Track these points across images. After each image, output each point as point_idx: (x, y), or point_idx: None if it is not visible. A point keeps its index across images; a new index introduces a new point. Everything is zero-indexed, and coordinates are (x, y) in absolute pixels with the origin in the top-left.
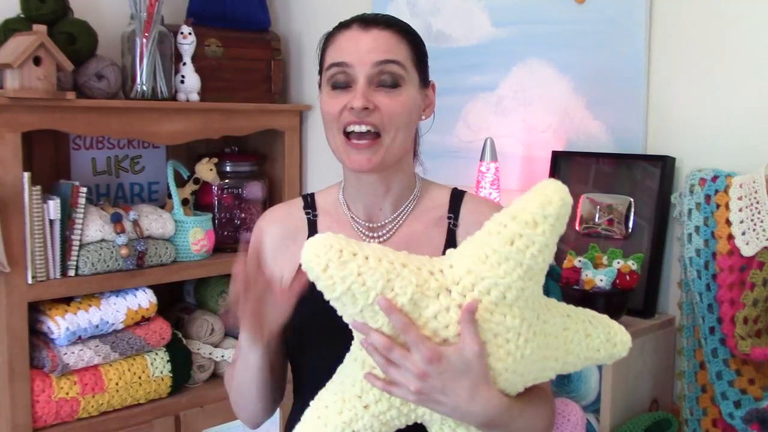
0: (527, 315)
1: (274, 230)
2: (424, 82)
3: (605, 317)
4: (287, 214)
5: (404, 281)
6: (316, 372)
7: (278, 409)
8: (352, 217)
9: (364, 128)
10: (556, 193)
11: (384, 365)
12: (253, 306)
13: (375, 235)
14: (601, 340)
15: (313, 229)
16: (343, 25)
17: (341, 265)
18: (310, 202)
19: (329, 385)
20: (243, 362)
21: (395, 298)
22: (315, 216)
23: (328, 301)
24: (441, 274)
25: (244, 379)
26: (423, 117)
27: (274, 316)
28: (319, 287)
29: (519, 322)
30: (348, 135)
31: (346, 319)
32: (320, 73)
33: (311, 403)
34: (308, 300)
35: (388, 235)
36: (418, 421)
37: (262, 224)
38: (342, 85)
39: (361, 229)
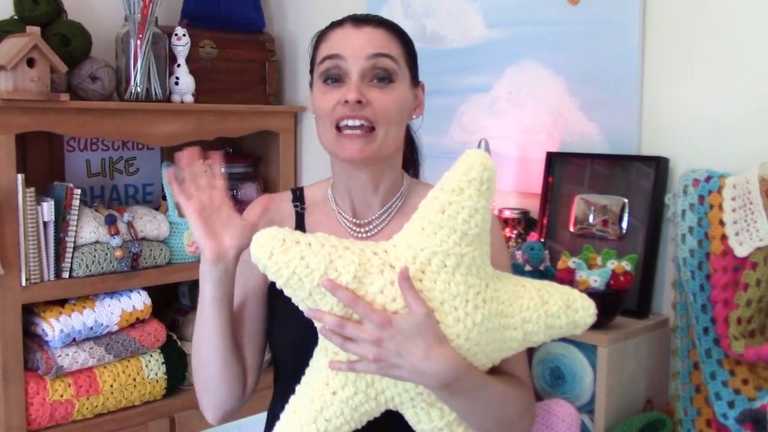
0: (472, 282)
1: (262, 220)
2: (415, 81)
3: (565, 286)
4: (275, 205)
5: (346, 261)
6: (290, 360)
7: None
8: (339, 212)
9: (357, 122)
10: (477, 159)
11: (342, 344)
12: (204, 214)
13: (362, 231)
14: (560, 306)
15: (300, 222)
16: (336, 24)
17: (284, 251)
18: (298, 195)
19: (302, 379)
20: (201, 311)
21: (339, 277)
22: (303, 209)
23: None
24: (384, 253)
25: (204, 340)
26: (414, 116)
27: (229, 237)
28: (269, 276)
29: (464, 288)
30: (340, 129)
31: (301, 308)
32: (311, 71)
33: (290, 398)
34: (280, 291)
35: (374, 231)
36: (390, 407)
37: (248, 212)
38: (335, 78)
39: (348, 224)
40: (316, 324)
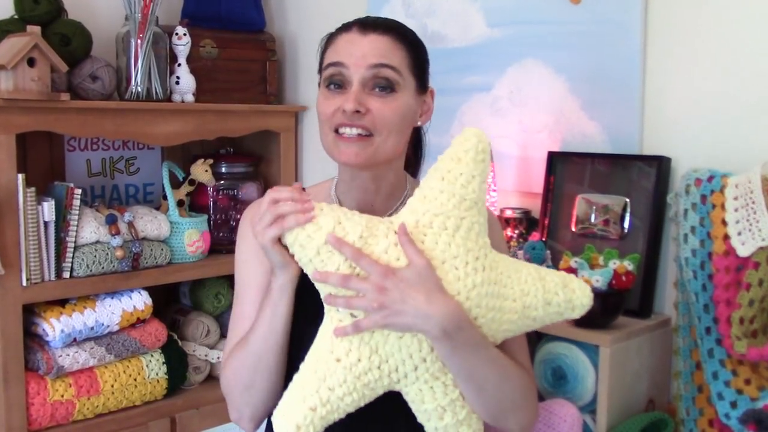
0: (471, 247)
1: None
2: (422, 88)
3: (561, 271)
4: None
5: (354, 222)
6: (296, 357)
7: None
8: None
9: (354, 131)
10: (472, 133)
11: (347, 303)
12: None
13: None
14: (557, 283)
15: None
16: (344, 28)
17: None
18: None
19: (306, 355)
20: (271, 313)
21: (346, 236)
22: None
23: (310, 284)
24: (389, 222)
25: (263, 331)
26: (419, 123)
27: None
28: (281, 236)
29: (464, 251)
30: (338, 133)
31: (308, 271)
32: (320, 73)
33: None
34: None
35: None
36: (393, 380)
37: (254, 210)
38: (337, 84)
39: None
40: (321, 293)
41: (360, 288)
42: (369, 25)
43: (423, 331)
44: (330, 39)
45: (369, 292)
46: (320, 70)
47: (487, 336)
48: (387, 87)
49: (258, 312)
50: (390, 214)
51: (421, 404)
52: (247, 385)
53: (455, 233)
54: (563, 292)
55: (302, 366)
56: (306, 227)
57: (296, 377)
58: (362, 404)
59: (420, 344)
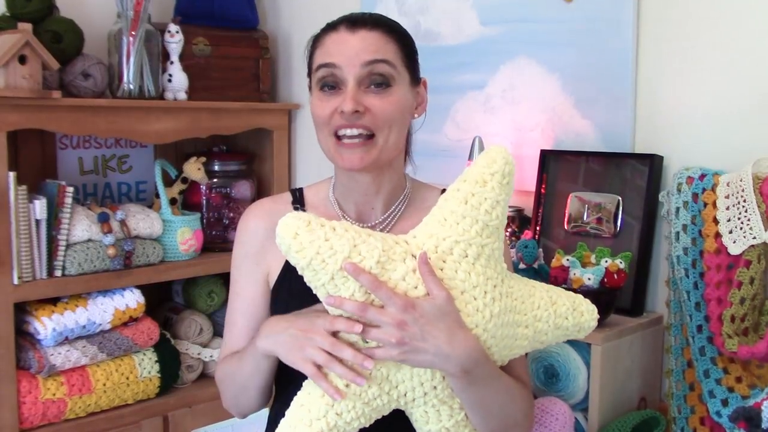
0: (490, 275)
1: (261, 224)
2: (415, 80)
3: (568, 291)
4: (275, 209)
5: (370, 246)
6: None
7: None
8: (343, 215)
9: (355, 131)
10: (499, 154)
11: (362, 332)
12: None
13: None
14: (567, 308)
15: None
16: (331, 27)
17: (310, 231)
18: (298, 197)
19: None
20: (253, 364)
21: (362, 261)
22: (304, 211)
23: (307, 290)
24: (405, 243)
25: (251, 376)
26: (415, 115)
27: None
28: (290, 259)
29: (483, 279)
30: (339, 137)
31: (320, 294)
32: (309, 75)
33: (298, 393)
34: (287, 288)
35: None
36: (401, 404)
37: (249, 216)
38: (331, 86)
39: None
40: (332, 313)
41: (378, 320)
42: (357, 21)
43: (441, 370)
44: (317, 40)
45: (387, 325)
46: (310, 73)
47: (496, 362)
48: (383, 83)
49: (245, 350)
50: (390, 214)
51: (425, 425)
52: (235, 395)
53: (476, 261)
54: (572, 316)
55: (307, 386)
56: (320, 250)
57: (303, 396)
58: (367, 425)
59: (433, 373)
